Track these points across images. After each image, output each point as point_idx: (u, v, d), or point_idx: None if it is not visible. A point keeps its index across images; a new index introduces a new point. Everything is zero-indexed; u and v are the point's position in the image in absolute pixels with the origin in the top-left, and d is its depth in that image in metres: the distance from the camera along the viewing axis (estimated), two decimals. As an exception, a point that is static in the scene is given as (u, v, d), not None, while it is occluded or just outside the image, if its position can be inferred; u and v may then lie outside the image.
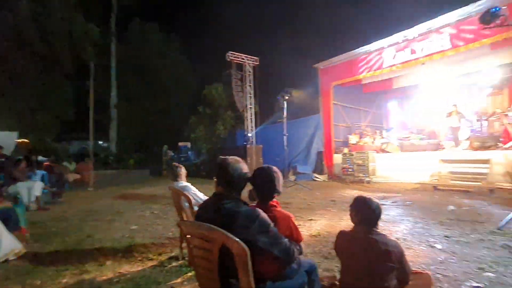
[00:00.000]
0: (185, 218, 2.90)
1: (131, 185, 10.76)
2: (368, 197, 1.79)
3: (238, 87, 11.44)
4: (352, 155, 9.75)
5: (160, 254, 3.33)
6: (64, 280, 2.69)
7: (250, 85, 11.94)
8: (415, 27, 8.87)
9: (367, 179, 9.31)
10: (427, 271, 2.16)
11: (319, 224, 4.46)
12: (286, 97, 9.19)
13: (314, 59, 12.34)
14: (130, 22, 21.11)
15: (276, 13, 26.32)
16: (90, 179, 10.11)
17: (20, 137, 12.72)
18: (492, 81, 10.45)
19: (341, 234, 1.85)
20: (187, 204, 2.84)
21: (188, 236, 1.42)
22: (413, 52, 9.07)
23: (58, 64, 15.19)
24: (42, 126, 16.05)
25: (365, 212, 1.71)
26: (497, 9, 4.21)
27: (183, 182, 3.25)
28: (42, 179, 7.38)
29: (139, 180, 12.71)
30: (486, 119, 9.72)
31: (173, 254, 3.33)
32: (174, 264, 3.04)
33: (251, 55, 11.93)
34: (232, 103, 11.39)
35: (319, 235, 3.91)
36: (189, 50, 23.07)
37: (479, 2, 7.53)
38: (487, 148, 7.93)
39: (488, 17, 4.26)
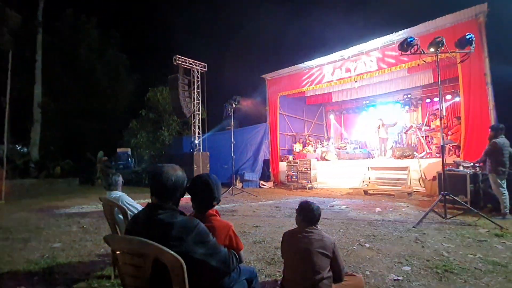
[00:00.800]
0: (119, 233, 2.63)
1: (55, 196, 9.40)
2: (310, 201, 2.13)
3: (185, 92, 11.09)
4: (296, 162, 10.26)
5: (87, 274, 2.95)
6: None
7: (198, 91, 11.69)
8: (350, 48, 9.92)
9: (309, 185, 9.87)
10: (359, 275, 2.37)
11: (263, 231, 4.53)
12: (234, 105, 9.25)
13: (262, 69, 12.81)
14: (62, 12, 18.88)
15: (225, 22, 26.59)
16: (1, 190, 8.52)
17: None
18: (409, 100, 12.30)
19: (285, 234, 2.13)
20: (121, 216, 2.58)
21: (117, 252, 1.28)
22: (347, 70, 10.09)
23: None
24: None
25: (307, 213, 2.02)
26: (412, 39, 4.99)
27: (118, 192, 2.96)
28: None
29: (66, 190, 11.22)
30: (405, 132, 11.31)
31: (104, 272, 2.98)
32: (105, 283, 2.72)
33: (199, 61, 11.74)
34: (178, 108, 10.94)
35: (263, 241, 3.96)
36: (131, 49, 21.62)
37: (399, 32, 8.81)
38: (406, 157, 9.19)
39: (405, 45, 5.03)
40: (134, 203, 2.87)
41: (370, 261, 3.16)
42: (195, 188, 1.56)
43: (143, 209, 1.41)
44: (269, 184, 11.29)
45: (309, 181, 9.88)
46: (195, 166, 10.48)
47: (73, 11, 19.11)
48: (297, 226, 2.10)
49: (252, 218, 5.59)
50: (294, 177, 10.25)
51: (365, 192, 8.52)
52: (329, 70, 10.53)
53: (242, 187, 10.38)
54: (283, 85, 11.92)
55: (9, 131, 10.61)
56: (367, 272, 2.86)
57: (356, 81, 10.33)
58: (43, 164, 14.91)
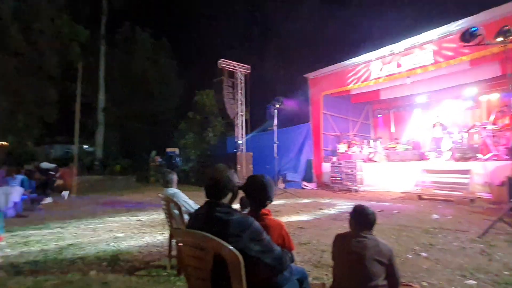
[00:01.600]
0: (174, 226, 2.84)
1: (116, 191, 10.49)
2: (365, 205, 2.03)
3: (230, 94, 11.47)
4: (341, 163, 9.90)
5: (147, 263, 3.24)
6: (44, 291, 2.56)
7: (241, 93, 12.00)
8: (401, 42, 9.24)
9: (355, 187, 9.44)
10: (416, 285, 2.23)
11: (308, 233, 4.47)
12: (277, 106, 9.29)
13: (305, 69, 12.60)
14: (120, 26, 20.94)
15: (267, 23, 26.79)
16: (73, 185, 9.77)
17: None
18: (471, 96, 10.98)
19: (337, 236, 2.06)
20: (177, 211, 2.79)
21: (180, 244, 1.40)
22: (398, 65, 9.41)
23: (42, 64, 14.77)
24: (22, 129, 15.45)
25: (362, 217, 1.94)
26: (475, 29, 4.46)
27: (174, 189, 3.20)
28: (22, 185, 7.08)
29: (125, 186, 12.41)
30: (467, 132, 10.13)
31: (160, 263, 3.25)
32: (162, 273, 2.96)
33: (242, 63, 12.03)
34: (223, 110, 11.37)
35: (309, 243, 3.91)
36: (179, 55, 23.04)
37: (459, 22, 7.94)
38: (468, 159, 8.23)
39: (468, 36, 4.51)
40: (188, 200, 3.07)
41: (428, 272, 2.93)
42: (249, 187, 1.62)
43: (202, 206, 1.51)
44: (312, 185, 11.07)
45: (355, 183, 9.45)
46: (238, 166, 10.76)
47: (130, 23, 21.05)
48: (349, 229, 2.04)
49: (296, 219, 5.55)
50: (338, 178, 9.90)
51: (419, 197, 7.85)
52: (377, 66, 9.95)
53: (284, 187, 10.35)
54: (327, 84, 11.58)
55: (79, 133, 12.13)
56: (425, 283, 2.65)
57: (408, 77, 9.58)
58: (105, 162, 16.72)
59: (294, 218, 5.64)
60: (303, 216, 5.84)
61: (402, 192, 8.36)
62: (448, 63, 8.35)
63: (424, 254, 3.42)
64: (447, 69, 9.11)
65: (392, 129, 14.03)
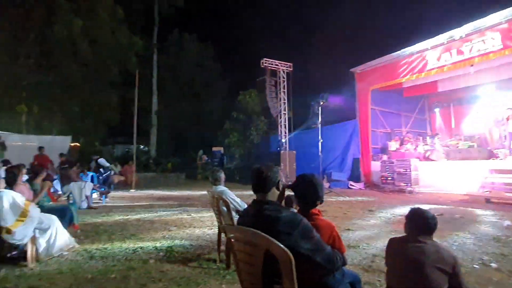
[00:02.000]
0: (223, 223, 2.97)
1: (168, 187, 11.30)
2: (424, 208, 1.87)
3: (272, 93, 11.53)
4: (393, 162, 9.24)
5: (198, 256, 3.45)
6: (112, 275, 2.89)
7: (284, 91, 11.95)
8: (462, 26, 8.26)
9: (409, 188, 8.74)
10: None
11: (357, 235, 4.28)
12: (321, 103, 9.05)
13: (350, 63, 12.03)
14: (170, 33, 22.43)
15: (309, 18, 26.18)
16: (133, 181, 10.81)
17: (71, 141, 14.06)
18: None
19: (392, 240, 1.92)
20: (225, 208, 2.91)
21: (231, 240, 1.46)
22: (459, 53, 8.43)
23: (105, 73, 16.62)
24: (90, 131, 17.61)
25: (420, 222, 1.78)
26: None
27: (222, 187, 3.34)
28: (91, 180, 8.09)
29: (175, 183, 13.31)
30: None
31: (211, 256, 3.43)
32: (212, 266, 3.13)
33: (284, 61, 11.98)
34: (265, 109, 11.48)
35: (358, 246, 3.75)
36: (223, 57, 23.85)
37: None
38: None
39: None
40: (235, 197, 3.19)
41: (499, 285, 2.60)
42: (299, 186, 1.62)
43: (251, 204, 1.56)
44: (359, 185, 10.55)
45: (409, 184, 8.73)
46: (282, 165, 10.76)
47: (178, 30, 22.44)
48: (405, 234, 1.90)
49: (343, 220, 5.35)
50: (389, 178, 9.26)
51: (487, 200, 6.94)
52: (434, 55, 9.03)
53: (329, 187, 10.05)
54: (375, 77, 10.89)
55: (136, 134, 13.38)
56: (496, 298, 2.35)
57: (471, 65, 8.50)
58: (158, 160, 18.14)
59: (340, 219, 5.44)
60: (350, 217, 5.61)
61: (465, 195, 7.49)
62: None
63: (494, 265, 3.04)
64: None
65: (453, 124, 12.62)
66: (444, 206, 6.51)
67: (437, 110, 12.97)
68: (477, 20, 7.92)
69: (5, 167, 5.32)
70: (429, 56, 9.15)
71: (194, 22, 26.35)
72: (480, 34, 8.00)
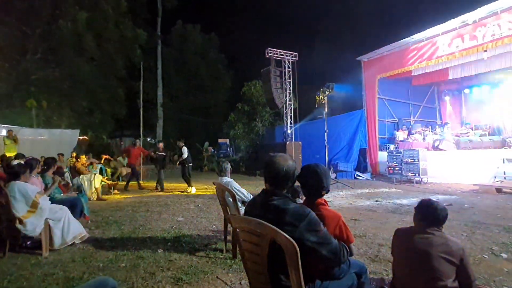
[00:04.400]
0: (229, 213, 2.99)
1: (175, 179, 11.40)
2: (433, 199, 1.85)
3: (277, 84, 11.39)
4: (400, 152, 9.12)
5: (205, 246, 3.49)
6: (123, 264, 2.96)
7: (289, 81, 11.81)
8: (476, 10, 7.94)
9: (417, 178, 8.63)
10: None
11: (363, 225, 4.27)
12: (327, 93, 8.91)
13: (357, 51, 11.78)
14: (173, 25, 22.28)
15: (314, 5, 25.57)
16: (140, 173, 10.96)
17: (80, 134, 14.27)
18: None
19: (398, 231, 1.92)
20: (231, 199, 2.92)
21: (237, 230, 1.46)
22: (472, 38, 8.15)
23: (111, 67, 16.69)
24: (98, 124, 17.83)
25: (429, 213, 1.77)
26: None
27: (227, 178, 3.35)
28: (100, 172, 8.22)
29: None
30: None
31: (217, 246, 3.47)
32: (219, 255, 3.17)
33: (289, 51, 11.79)
34: (270, 100, 11.36)
35: (364, 236, 3.74)
36: (227, 48, 23.62)
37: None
38: None
39: None
40: (240, 188, 3.20)
41: (510, 276, 2.56)
42: (304, 177, 1.60)
43: (259, 194, 1.55)
44: (366, 176, 10.48)
45: (417, 174, 8.62)
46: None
47: (182, 22, 22.25)
48: (413, 224, 1.88)
49: (349, 210, 5.34)
50: (397, 168, 9.15)
51: (498, 190, 6.81)
52: (445, 41, 8.75)
53: (335, 177, 10.01)
54: (383, 65, 10.64)
55: (143, 127, 13.49)
56: (505, 288, 2.33)
57: (485, 51, 8.20)
58: (165, 153, 18.28)
59: (347, 209, 5.43)
60: (356, 207, 5.59)
61: (475, 185, 7.36)
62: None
63: (504, 256, 2.99)
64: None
65: (464, 112, 12.33)
66: (454, 197, 6.43)
67: (447, 98, 12.67)
68: (492, 3, 7.60)
69: (16, 161, 5.45)
70: (440, 42, 8.88)
71: (197, 13, 26.10)
72: (495, 18, 7.69)
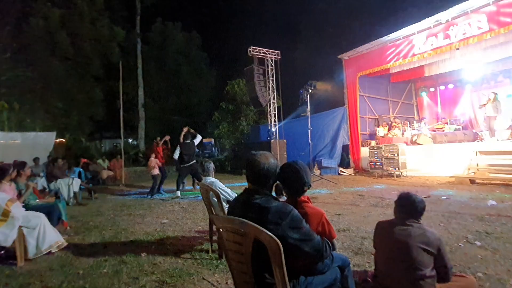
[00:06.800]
0: (214, 213, 2.96)
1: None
2: (412, 192, 1.93)
3: (261, 82, 11.39)
4: (381, 148, 9.39)
5: (191, 247, 3.45)
6: (104, 270, 2.86)
7: (272, 80, 11.85)
8: (448, 10, 8.28)
9: (397, 172, 8.93)
10: (470, 276, 2.08)
11: (347, 220, 4.37)
12: (310, 90, 9.02)
13: (338, 50, 11.98)
14: (153, 22, 21.72)
15: (296, 4, 25.79)
16: (122, 176, 10.65)
17: (56, 137, 13.65)
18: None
19: (379, 224, 1.99)
20: (215, 199, 2.90)
21: (221, 230, 1.45)
22: (446, 37, 8.49)
23: (88, 66, 16.06)
24: (76, 126, 17.12)
25: (408, 206, 1.84)
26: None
27: (211, 178, 3.32)
28: (79, 176, 7.90)
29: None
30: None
31: (203, 247, 3.43)
32: (204, 256, 3.13)
33: (272, 49, 11.82)
34: (254, 98, 11.36)
35: (348, 230, 3.83)
36: (209, 46, 23.36)
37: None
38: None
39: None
40: (225, 188, 3.17)
41: (483, 262, 2.70)
42: (284, 175, 1.61)
43: (242, 193, 1.54)
44: (349, 171, 10.71)
45: (397, 168, 8.92)
46: (272, 154, 10.78)
47: (162, 19, 21.72)
48: (393, 217, 1.94)
49: (333, 206, 5.45)
50: (378, 163, 9.42)
51: (472, 182, 7.18)
52: (420, 40, 9.07)
53: (320, 174, 10.17)
54: (363, 63, 10.90)
55: (124, 128, 13.07)
56: (480, 274, 2.46)
57: (457, 49, 8.59)
58: (148, 154, 17.84)
59: (331, 205, 5.53)
60: (340, 202, 5.71)
61: (451, 177, 7.72)
62: (508, 29, 7.30)
63: (478, 243, 3.16)
64: (505, 37, 7.98)
65: (439, 108, 12.87)
66: (432, 189, 6.70)
67: (424, 94, 13.17)
68: (463, 3, 7.95)
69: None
70: (416, 41, 9.19)
71: (178, 11, 25.61)
72: (466, 17, 8.05)
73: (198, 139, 7.68)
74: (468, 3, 7.87)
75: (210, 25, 27.62)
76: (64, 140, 16.64)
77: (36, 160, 8.96)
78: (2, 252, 3.21)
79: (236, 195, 2.10)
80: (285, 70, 12.11)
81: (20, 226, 3.15)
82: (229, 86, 15.86)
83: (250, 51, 11.27)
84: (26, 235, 3.20)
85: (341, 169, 10.78)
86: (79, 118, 16.94)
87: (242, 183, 9.19)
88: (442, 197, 5.71)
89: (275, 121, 12.03)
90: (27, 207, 3.62)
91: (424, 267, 1.68)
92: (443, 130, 10.27)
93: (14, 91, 13.87)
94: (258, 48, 11.50)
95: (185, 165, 7.27)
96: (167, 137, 9.18)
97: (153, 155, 8.29)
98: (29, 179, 4.51)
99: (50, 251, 3.36)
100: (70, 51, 14.80)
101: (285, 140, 11.49)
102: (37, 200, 4.35)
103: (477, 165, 7.71)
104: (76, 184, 6.77)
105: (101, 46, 16.13)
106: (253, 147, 11.97)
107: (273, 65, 11.88)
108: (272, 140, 11.23)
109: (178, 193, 7.05)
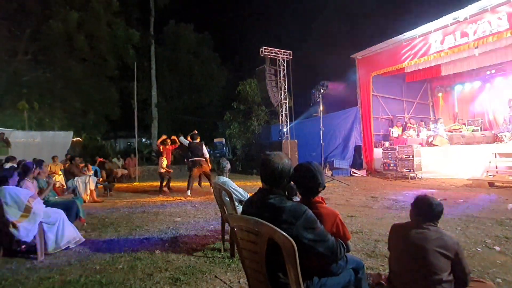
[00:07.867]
0: (226, 212, 2.99)
1: (171, 179, 11.34)
2: (429, 195, 1.88)
3: (272, 82, 11.38)
4: (395, 149, 9.20)
5: (203, 245, 3.49)
6: (120, 266, 2.94)
7: (284, 80, 11.82)
8: (468, 7, 8.03)
9: (412, 174, 8.73)
10: (489, 282, 2.02)
11: (359, 221, 4.31)
12: (322, 90, 8.95)
13: (351, 49, 11.83)
14: (166, 24, 22.08)
15: (308, 3, 25.60)
16: (136, 174, 10.89)
17: (73, 136, 14.09)
18: None
19: (394, 226, 1.96)
20: (227, 198, 2.93)
21: (234, 229, 1.47)
22: (464, 35, 8.25)
23: (104, 67, 16.49)
24: (92, 126, 17.63)
25: (425, 209, 1.80)
26: None
27: (224, 178, 3.35)
28: (95, 174, 8.14)
29: (178, 174, 13.34)
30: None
31: (215, 245, 3.47)
32: (217, 255, 3.17)
33: (284, 49, 11.79)
34: (266, 98, 11.36)
35: (361, 232, 3.77)
36: (221, 47, 23.51)
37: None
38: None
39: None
40: (237, 187, 3.20)
41: (503, 267, 2.61)
42: (299, 175, 1.61)
43: (256, 193, 1.55)
44: (362, 173, 10.55)
45: (412, 170, 8.72)
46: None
47: (175, 21, 22.05)
48: (409, 220, 1.91)
49: (346, 207, 5.38)
50: (392, 165, 9.24)
51: (491, 185, 6.93)
52: (437, 38, 8.84)
53: (331, 175, 10.06)
54: (377, 63, 10.72)
55: (137, 127, 13.33)
56: (499, 280, 2.38)
57: (476, 47, 8.31)
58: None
59: (343, 206, 5.47)
60: (353, 204, 5.63)
61: (468, 179, 7.48)
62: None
63: (497, 248, 3.05)
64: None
65: (456, 108, 12.49)
66: (448, 192, 6.52)
67: (440, 94, 12.81)
68: (482, 0, 7.70)
69: (9, 164, 5.36)
70: (433, 39, 8.97)
71: (190, 12, 25.93)
72: (485, 14, 7.79)
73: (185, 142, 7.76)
74: (488, 0, 7.61)
75: (222, 26, 27.81)
76: (80, 139, 17.17)
77: (54, 158, 9.27)
78: (23, 246, 3.34)
79: (249, 195, 2.12)
80: (296, 70, 12.05)
81: (41, 222, 3.28)
82: (240, 86, 15.92)
83: (262, 51, 11.29)
84: (46, 231, 3.32)
85: (353, 170, 10.64)
86: (95, 118, 17.42)
87: (253, 183, 9.21)
88: (459, 200, 5.55)
89: (286, 121, 11.99)
90: (47, 203, 3.76)
91: (441, 271, 1.65)
92: (461, 131, 9.96)
93: (34, 91, 14.41)
94: (270, 48, 11.50)
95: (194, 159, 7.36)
96: (164, 136, 9.19)
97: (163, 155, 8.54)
98: (49, 176, 4.69)
99: (68, 246, 3.48)
100: (87, 53, 15.25)
101: (296, 141, 11.44)
102: (56, 197, 4.52)
103: (496, 168, 7.46)
104: (92, 182, 6.98)
105: (116, 48, 16.53)
106: (264, 147, 11.98)
107: (285, 65, 11.84)
108: (283, 141, 11.20)
109: (189, 192, 7.14)
